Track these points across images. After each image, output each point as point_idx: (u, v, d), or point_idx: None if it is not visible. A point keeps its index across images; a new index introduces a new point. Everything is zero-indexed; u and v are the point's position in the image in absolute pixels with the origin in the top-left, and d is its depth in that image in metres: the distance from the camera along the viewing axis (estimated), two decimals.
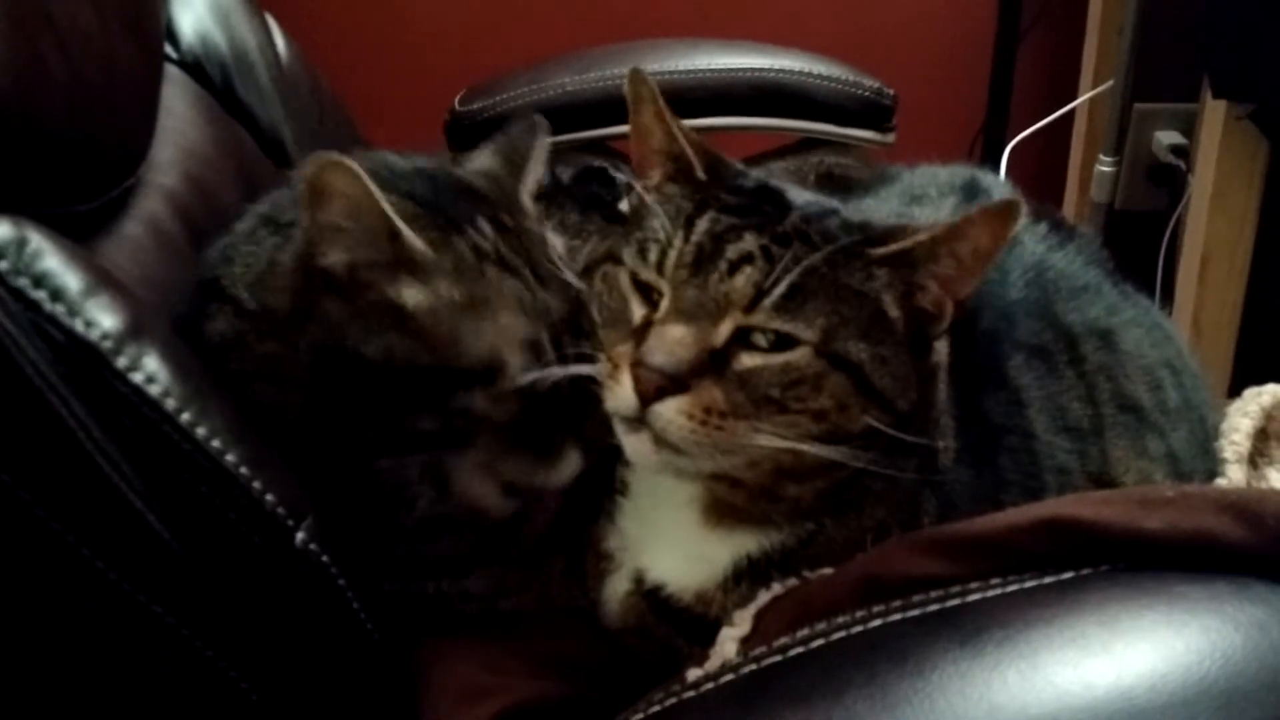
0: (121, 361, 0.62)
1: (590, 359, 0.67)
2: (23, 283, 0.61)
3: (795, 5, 2.00)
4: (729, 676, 0.57)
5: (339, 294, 0.68)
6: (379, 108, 1.45)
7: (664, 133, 0.70)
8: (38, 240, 0.63)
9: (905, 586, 0.58)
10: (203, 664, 0.65)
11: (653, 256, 0.65)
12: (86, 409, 0.60)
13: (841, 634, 0.57)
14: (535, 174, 0.80)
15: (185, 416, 0.63)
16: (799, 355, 0.62)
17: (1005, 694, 0.51)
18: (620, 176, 1.02)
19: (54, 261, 0.63)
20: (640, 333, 0.64)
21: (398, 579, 0.75)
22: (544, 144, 0.81)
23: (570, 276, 0.73)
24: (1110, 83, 1.82)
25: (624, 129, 1.16)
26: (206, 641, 0.65)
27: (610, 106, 1.23)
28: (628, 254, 0.67)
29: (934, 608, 0.57)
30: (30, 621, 0.63)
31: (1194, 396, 0.82)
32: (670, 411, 0.61)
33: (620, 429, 0.64)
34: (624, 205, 0.80)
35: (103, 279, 0.65)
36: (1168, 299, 1.71)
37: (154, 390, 0.63)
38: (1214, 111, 1.58)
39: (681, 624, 0.72)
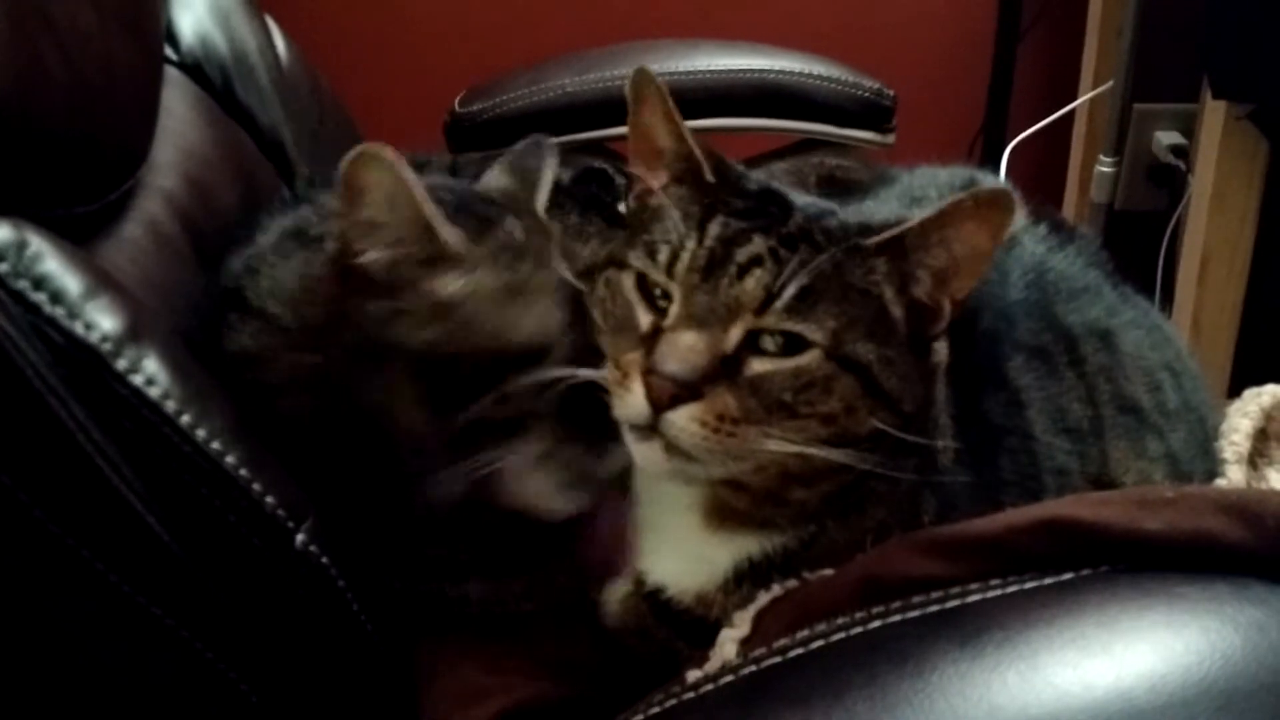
0: (121, 364, 0.62)
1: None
2: (23, 285, 0.61)
3: (795, 5, 2.00)
4: (728, 678, 0.57)
5: (379, 294, 0.68)
6: (379, 109, 1.45)
7: (672, 134, 0.69)
8: (38, 242, 0.63)
9: (905, 587, 0.58)
10: (203, 665, 0.65)
11: (663, 258, 0.65)
12: (86, 411, 0.60)
13: (841, 635, 0.57)
14: (546, 190, 0.81)
15: (185, 418, 0.63)
16: (809, 358, 0.62)
17: (1005, 695, 0.51)
18: (620, 179, 1.03)
19: (54, 264, 0.63)
20: (650, 339, 0.63)
21: (405, 579, 0.75)
22: (553, 163, 0.82)
23: (574, 281, 0.73)
24: (1110, 83, 1.82)
25: (624, 130, 1.15)
26: (206, 643, 0.65)
27: (610, 107, 1.23)
28: (634, 257, 0.66)
29: (934, 609, 0.57)
30: (30, 623, 0.63)
31: (1193, 397, 0.82)
32: (683, 419, 0.61)
33: (630, 437, 0.64)
34: (624, 207, 0.79)
35: (102, 281, 0.65)
36: (1167, 299, 1.71)
37: (154, 392, 0.63)
38: (1214, 112, 1.58)
39: (681, 626, 0.72)
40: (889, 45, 1.98)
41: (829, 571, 0.67)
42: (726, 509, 0.69)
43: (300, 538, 0.66)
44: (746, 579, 0.69)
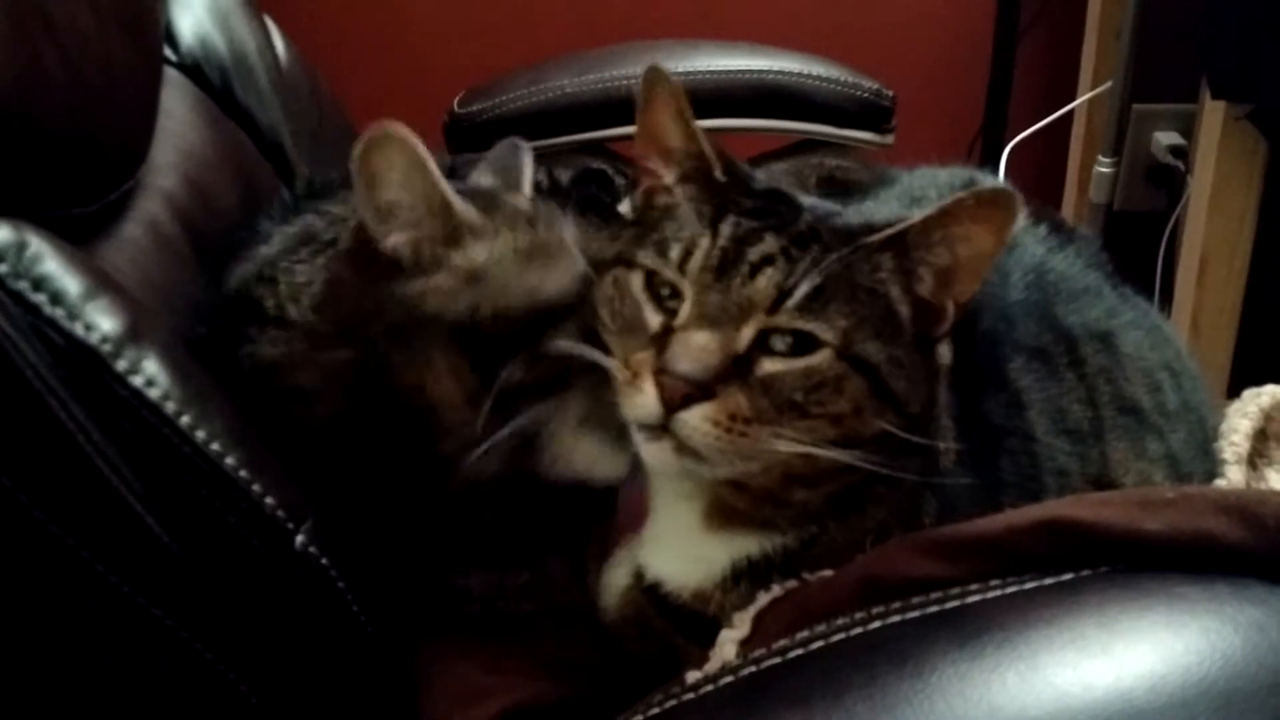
0: (121, 365, 0.62)
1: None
2: (22, 286, 0.61)
3: (794, 6, 2.00)
4: (728, 678, 0.57)
5: (410, 275, 0.69)
6: (378, 109, 1.44)
7: (683, 132, 0.69)
8: (37, 243, 0.63)
9: (905, 588, 0.58)
10: (202, 666, 0.65)
11: (675, 256, 0.65)
12: (86, 412, 0.60)
13: (841, 636, 0.57)
14: (529, 184, 0.83)
15: (185, 419, 0.63)
16: (821, 358, 0.62)
17: (1005, 695, 0.51)
18: (619, 179, 1.03)
19: (53, 265, 0.63)
20: (661, 339, 0.63)
21: (411, 570, 0.75)
22: (530, 160, 0.85)
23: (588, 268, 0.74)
24: (1109, 83, 1.82)
25: (623, 130, 1.15)
26: (206, 644, 0.65)
27: (609, 108, 1.24)
28: (643, 255, 0.66)
29: (933, 609, 0.57)
30: (30, 623, 0.63)
31: (1193, 398, 0.82)
32: (695, 419, 0.61)
33: (640, 437, 0.64)
34: (623, 206, 0.79)
35: (102, 282, 0.65)
36: (1167, 300, 1.72)
37: (154, 393, 0.63)
38: (1213, 112, 1.59)
39: (679, 620, 0.72)
40: (888, 46, 1.98)
41: (829, 572, 0.67)
42: (726, 508, 0.69)
43: (300, 539, 0.66)
44: (745, 578, 0.69)
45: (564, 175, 1.00)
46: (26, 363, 0.59)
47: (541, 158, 1.20)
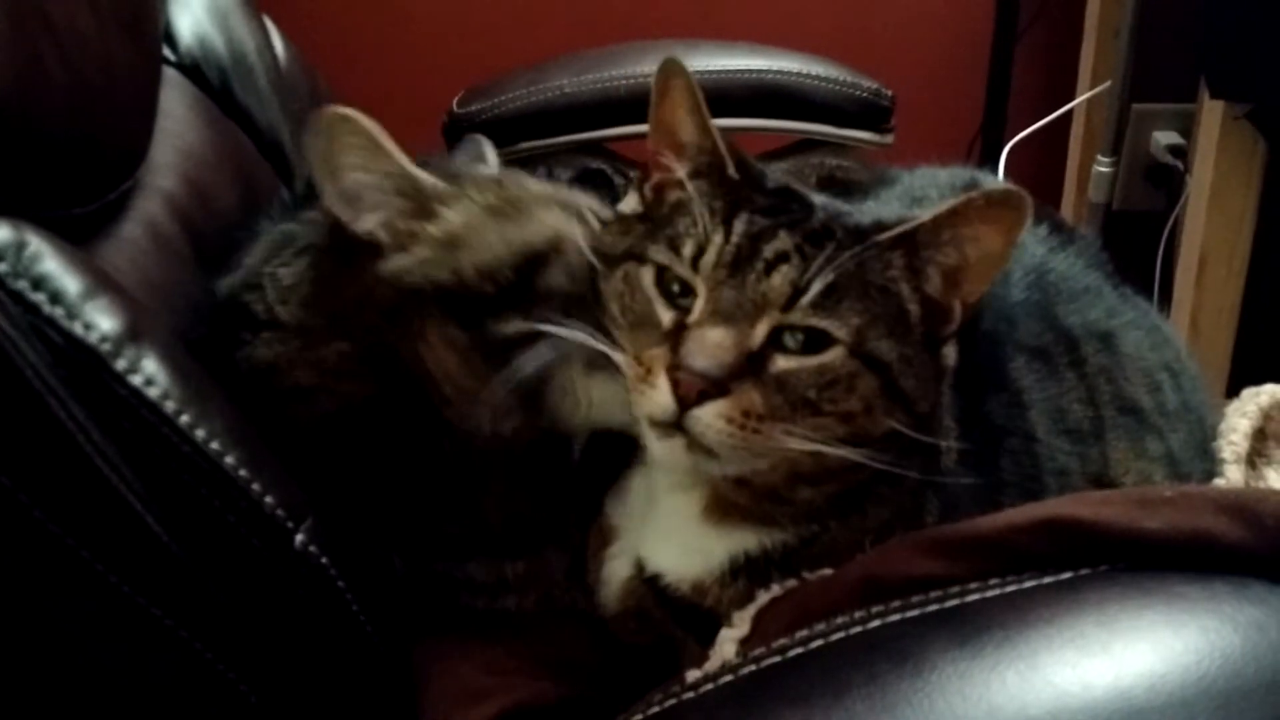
0: (121, 364, 0.62)
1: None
2: (22, 285, 0.61)
3: (794, 6, 2.00)
4: (728, 677, 0.57)
5: (389, 254, 0.70)
6: (378, 109, 1.44)
7: (698, 126, 0.68)
8: (37, 243, 0.63)
9: (905, 587, 0.58)
10: (202, 666, 0.65)
11: (688, 253, 0.65)
12: (86, 412, 0.60)
13: (841, 634, 0.57)
14: (493, 162, 0.87)
15: (185, 419, 0.63)
16: (834, 356, 0.62)
17: (1004, 694, 0.51)
18: (619, 179, 1.03)
19: (53, 264, 0.63)
20: (674, 335, 0.63)
21: (413, 559, 0.75)
22: (492, 154, 0.90)
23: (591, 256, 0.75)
24: (1108, 83, 1.82)
25: (622, 130, 1.15)
26: (206, 643, 0.65)
27: (609, 108, 1.24)
28: (655, 251, 0.66)
29: (933, 608, 0.57)
30: (30, 623, 0.63)
31: (1192, 398, 0.82)
32: (710, 415, 0.61)
33: (652, 434, 0.64)
34: (624, 206, 0.79)
35: (102, 282, 0.65)
36: (1166, 299, 1.72)
37: (153, 393, 0.63)
38: (1212, 112, 1.59)
39: (678, 612, 0.72)
40: (887, 45, 1.99)
41: (828, 571, 0.67)
42: (726, 503, 0.69)
43: (300, 538, 0.67)
44: (743, 573, 0.70)
45: (563, 175, 1.00)
46: (26, 362, 0.59)
47: (541, 158, 1.21)
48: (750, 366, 0.62)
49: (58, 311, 0.62)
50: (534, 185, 0.78)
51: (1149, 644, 0.53)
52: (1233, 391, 0.89)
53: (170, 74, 0.95)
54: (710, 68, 1.26)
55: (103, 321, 0.63)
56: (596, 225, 0.76)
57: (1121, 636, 0.53)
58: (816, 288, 0.62)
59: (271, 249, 0.77)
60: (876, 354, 0.63)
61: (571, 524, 0.78)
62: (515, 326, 0.69)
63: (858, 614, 0.57)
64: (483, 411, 0.70)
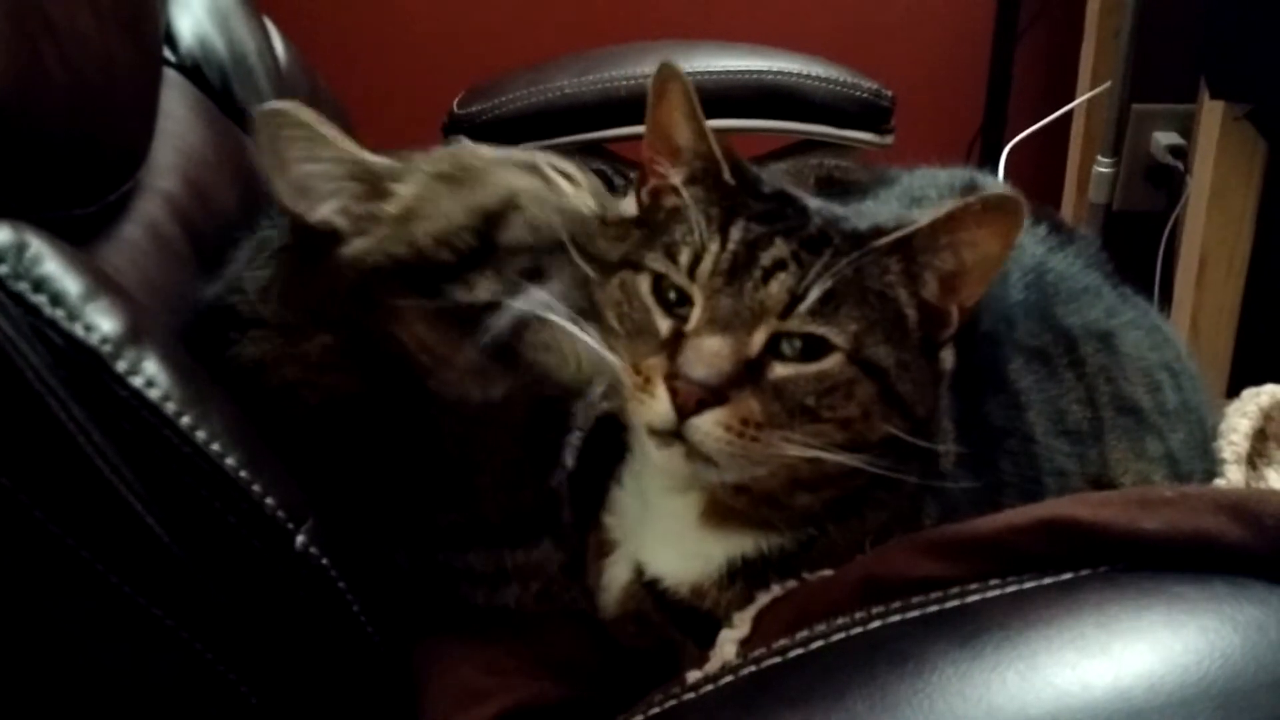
0: (121, 365, 0.62)
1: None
2: (22, 287, 0.61)
3: (794, 6, 2.00)
4: (728, 678, 0.57)
5: (349, 239, 0.71)
6: (378, 110, 1.45)
7: (694, 132, 0.68)
8: (37, 244, 0.63)
9: (905, 588, 0.58)
10: (203, 666, 0.65)
11: (684, 261, 0.65)
12: (86, 413, 0.60)
13: (841, 635, 0.57)
14: None
15: (185, 420, 0.64)
16: (832, 363, 0.62)
17: (1004, 695, 0.51)
18: (619, 180, 1.03)
19: (53, 266, 0.63)
20: (672, 344, 0.63)
21: (413, 551, 0.75)
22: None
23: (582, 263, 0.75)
24: (1108, 83, 1.82)
25: (623, 131, 1.15)
26: (206, 644, 0.65)
27: (609, 109, 1.24)
28: (651, 259, 0.66)
29: (933, 609, 0.57)
30: (31, 623, 0.63)
31: (1192, 398, 0.82)
32: (708, 424, 0.61)
33: (652, 443, 0.64)
34: (622, 208, 0.79)
35: (102, 283, 0.65)
36: (1166, 300, 1.72)
37: (154, 394, 0.63)
38: (1212, 112, 1.59)
39: (678, 615, 0.72)
40: (887, 46, 1.98)
41: (828, 572, 0.67)
42: (723, 507, 0.69)
43: (300, 539, 0.67)
44: (741, 576, 0.70)
45: None
46: (27, 364, 0.59)
47: None
48: (748, 374, 0.62)
49: (58, 313, 0.62)
50: (487, 151, 0.78)
51: (1149, 644, 0.53)
52: (1233, 392, 0.89)
53: (171, 75, 0.95)
54: (710, 68, 1.26)
55: (103, 323, 0.63)
56: (554, 176, 0.76)
57: (1121, 637, 0.53)
58: (814, 294, 0.62)
59: (251, 254, 0.77)
60: (874, 360, 0.63)
61: (568, 514, 0.78)
62: (484, 289, 0.69)
63: (858, 615, 0.57)
64: (462, 376, 0.70)
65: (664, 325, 0.65)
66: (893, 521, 0.68)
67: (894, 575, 0.60)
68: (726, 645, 0.64)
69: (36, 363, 0.59)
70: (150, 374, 0.63)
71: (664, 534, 0.73)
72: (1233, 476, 0.80)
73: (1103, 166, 1.82)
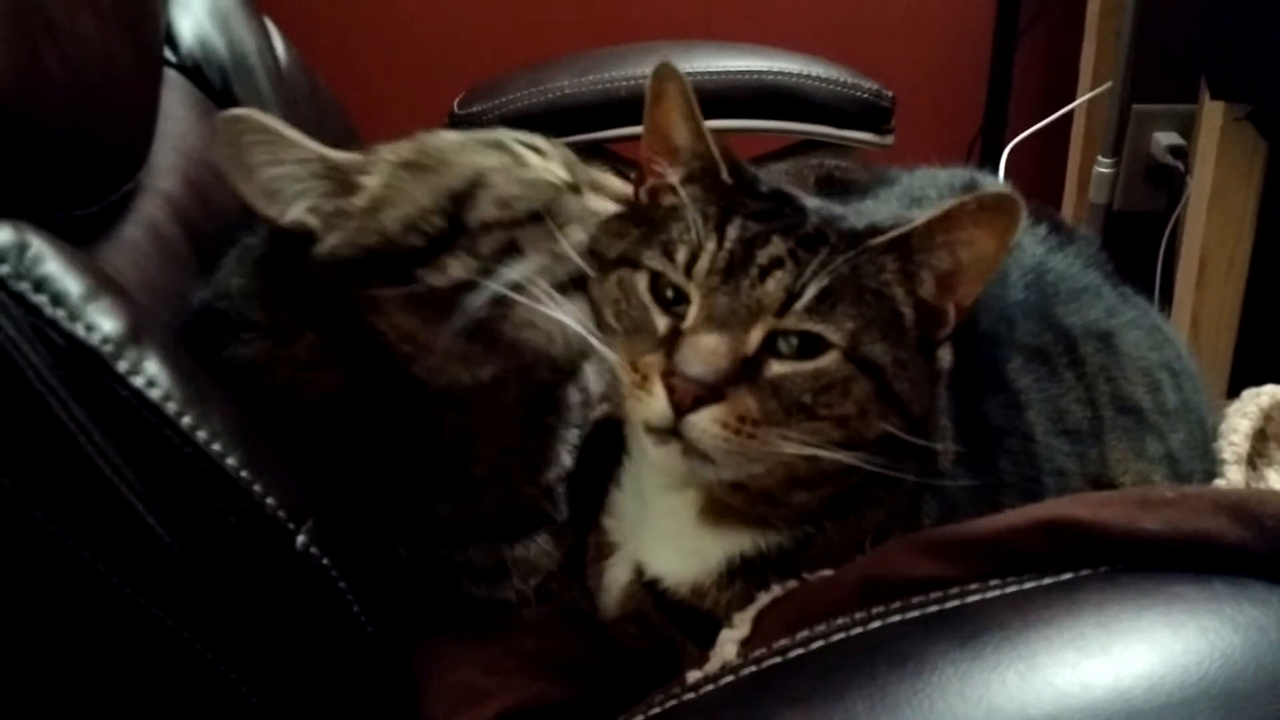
0: (122, 365, 0.63)
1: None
2: (23, 287, 0.61)
3: (793, 6, 2.00)
4: (729, 678, 0.57)
5: (321, 238, 0.71)
6: (379, 110, 1.45)
7: (691, 131, 0.68)
8: (38, 244, 0.63)
9: (905, 588, 0.59)
10: (203, 666, 0.65)
11: (681, 259, 0.65)
12: (87, 413, 0.61)
13: (841, 635, 0.57)
14: None
15: (186, 420, 0.64)
16: (829, 360, 0.63)
17: (1004, 695, 0.51)
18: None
19: (54, 266, 0.63)
20: (669, 342, 0.63)
21: (413, 546, 0.75)
22: None
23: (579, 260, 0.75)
24: (1109, 84, 1.82)
25: (623, 131, 1.15)
26: (207, 644, 0.65)
27: (610, 109, 1.24)
28: (649, 257, 0.66)
29: (933, 609, 0.57)
30: (31, 623, 0.63)
31: (1193, 398, 0.82)
32: (705, 421, 0.61)
33: (649, 440, 0.64)
34: (599, 205, 0.79)
35: (103, 283, 0.65)
36: (1166, 300, 1.72)
37: (155, 394, 0.63)
38: (1212, 112, 1.59)
39: (678, 615, 0.72)
40: (887, 46, 1.99)
41: (828, 572, 0.67)
42: (721, 505, 0.69)
43: (301, 539, 0.67)
44: (740, 575, 0.70)
45: None
46: (28, 364, 0.59)
47: None
48: (745, 372, 0.62)
49: (59, 313, 0.62)
50: (451, 135, 0.78)
51: (1148, 645, 0.53)
52: (1233, 392, 0.89)
53: (171, 75, 0.95)
54: (710, 69, 1.26)
55: (104, 323, 0.63)
56: (521, 150, 0.76)
57: (1121, 637, 0.53)
58: (811, 292, 0.62)
59: (236, 260, 0.78)
60: (871, 358, 0.63)
61: (565, 511, 0.79)
62: (456, 270, 0.70)
63: (858, 615, 0.57)
64: (445, 360, 0.71)
65: (661, 323, 0.65)
66: (891, 520, 0.68)
67: (894, 575, 0.60)
68: (727, 645, 0.64)
69: (37, 363, 0.59)
70: (151, 374, 0.63)
71: (663, 533, 0.73)
72: (1233, 477, 0.80)
73: (1103, 167, 1.82)
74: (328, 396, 0.73)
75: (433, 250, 0.70)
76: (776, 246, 0.64)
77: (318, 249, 0.71)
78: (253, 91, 1.03)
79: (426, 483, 0.75)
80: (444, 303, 0.70)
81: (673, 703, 0.57)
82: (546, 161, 0.77)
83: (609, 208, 0.76)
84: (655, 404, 0.62)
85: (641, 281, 0.66)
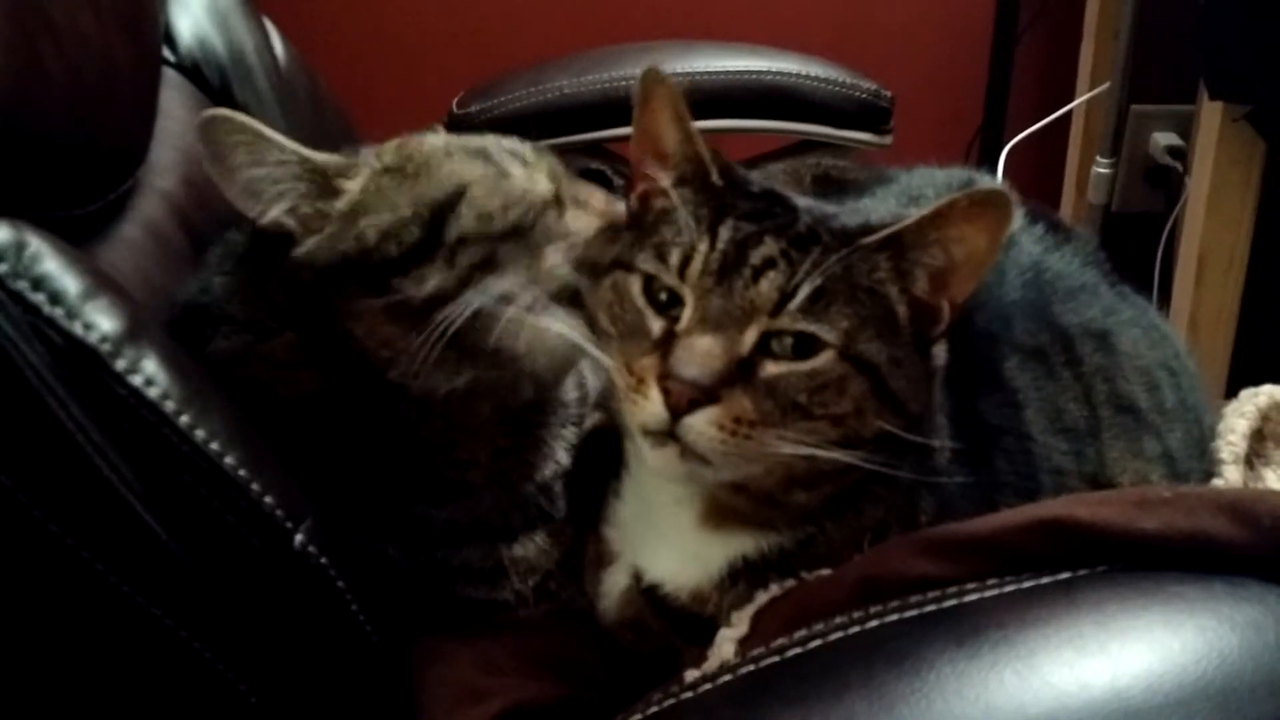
0: (120, 364, 0.63)
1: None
2: (22, 286, 0.61)
3: (794, 6, 2.01)
4: (727, 677, 0.57)
5: (300, 240, 0.71)
6: (378, 110, 1.45)
7: (681, 134, 0.68)
8: (37, 243, 0.63)
9: (903, 587, 0.59)
10: (202, 666, 0.65)
11: (674, 261, 0.65)
12: (86, 412, 0.61)
13: (839, 635, 0.57)
14: None
15: (184, 419, 0.64)
16: (824, 360, 0.63)
17: (1002, 694, 0.51)
18: (618, 180, 1.03)
19: (53, 264, 0.63)
20: (663, 344, 0.63)
21: (408, 549, 0.75)
22: None
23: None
24: (1107, 84, 1.82)
25: (622, 131, 1.15)
26: (205, 643, 0.65)
27: (608, 109, 1.24)
28: (642, 260, 0.66)
29: (931, 608, 0.57)
30: (30, 623, 0.63)
31: (1190, 397, 0.82)
32: (701, 423, 0.61)
33: (646, 443, 0.64)
34: (620, 206, 0.79)
35: (101, 282, 0.65)
36: (1165, 300, 1.72)
37: (153, 393, 0.63)
38: (1211, 113, 1.59)
39: (678, 621, 0.72)
40: (886, 46, 1.99)
41: (827, 571, 0.67)
42: (722, 509, 0.69)
43: (299, 538, 0.67)
44: (741, 577, 0.70)
45: None
46: (26, 362, 0.59)
47: None
48: (740, 373, 0.62)
49: (58, 312, 0.62)
50: (436, 140, 0.78)
51: (1146, 644, 0.53)
52: (1231, 392, 0.89)
53: (170, 75, 0.95)
54: (710, 68, 1.26)
55: (103, 322, 0.63)
56: (505, 160, 0.76)
57: (1119, 637, 0.53)
58: (804, 292, 0.62)
59: (219, 258, 0.78)
60: (866, 356, 0.63)
61: (563, 509, 0.79)
62: (433, 282, 0.70)
63: (856, 614, 0.57)
64: (421, 368, 0.71)
65: (656, 326, 0.65)
66: (890, 518, 0.68)
67: (892, 575, 0.60)
68: (725, 644, 0.64)
69: (36, 361, 0.59)
70: (149, 373, 0.63)
71: (663, 538, 0.73)
72: (1230, 477, 0.80)
73: (1102, 167, 1.82)
74: (307, 395, 0.73)
75: (409, 260, 0.71)
76: (769, 247, 0.64)
77: (296, 251, 0.72)
78: (251, 91, 1.03)
79: (414, 487, 0.75)
80: (419, 313, 0.70)
81: (671, 702, 0.57)
82: (531, 173, 0.77)
83: (591, 225, 0.76)
84: (651, 407, 0.62)
85: (635, 284, 0.66)
